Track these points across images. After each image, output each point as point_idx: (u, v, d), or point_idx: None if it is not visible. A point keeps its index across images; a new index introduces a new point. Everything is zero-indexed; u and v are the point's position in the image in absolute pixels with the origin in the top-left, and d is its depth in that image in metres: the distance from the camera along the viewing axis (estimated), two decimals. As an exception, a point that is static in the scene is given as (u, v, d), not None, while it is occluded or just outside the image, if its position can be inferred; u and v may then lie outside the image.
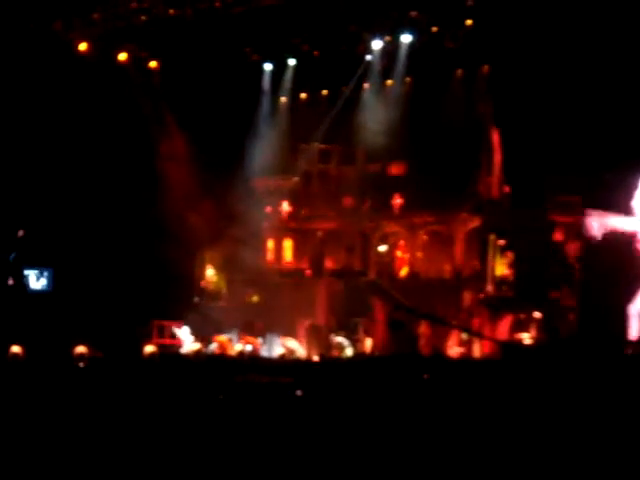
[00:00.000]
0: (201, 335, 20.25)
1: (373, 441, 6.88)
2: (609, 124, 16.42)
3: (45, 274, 18.66)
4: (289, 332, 19.79)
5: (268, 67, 22.12)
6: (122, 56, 21.53)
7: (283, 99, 22.31)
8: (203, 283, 21.92)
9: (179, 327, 20.39)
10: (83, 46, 20.86)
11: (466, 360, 17.05)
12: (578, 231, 17.59)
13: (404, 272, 20.55)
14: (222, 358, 19.05)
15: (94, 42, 20.95)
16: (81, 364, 15.68)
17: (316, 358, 18.74)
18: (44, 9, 19.78)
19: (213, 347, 20.04)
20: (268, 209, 22.05)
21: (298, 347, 19.44)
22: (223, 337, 20.06)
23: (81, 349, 17.20)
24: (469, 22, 18.70)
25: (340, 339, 19.11)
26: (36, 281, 19.13)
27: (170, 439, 7.37)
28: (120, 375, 11.29)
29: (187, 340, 19.95)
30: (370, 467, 6.13)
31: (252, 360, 18.42)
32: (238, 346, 19.91)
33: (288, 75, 21.90)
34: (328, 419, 7.93)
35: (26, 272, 18.99)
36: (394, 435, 7.02)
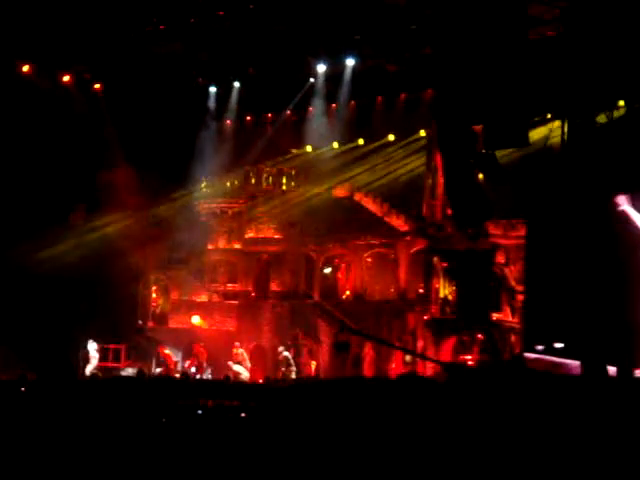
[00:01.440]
0: (144, 356, 20.21)
1: (317, 464, 6.81)
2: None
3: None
4: (233, 354, 19.81)
5: (213, 90, 22.16)
6: (66, 78, 21.38)
7: (228, 122, 22.40)
8: (150, 306, 21.85)
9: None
10: (26, 68, 20.79)
11: (409, 379, 17.02)
12: (519, 253, 17.67)
13: (347, 294, 20.73)
14: (166, 380, 18.93)
15: (37, 63, 20.83)
16: (22, 388, 15.46)
17: (260, 381, 18.75)
18: None
19: (158, 370, 20.02)
20: (210, 234, 22.07)
21: (243, 370, 19.45)
22: (168, 350, 20.15)
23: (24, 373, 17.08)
24: (412, 46, 18.83)
25: (287, 354, 19.18)
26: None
27: (110, 464, 7.19)
28: (59, 398, 11.00)
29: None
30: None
31: (196, 382, 18.38)
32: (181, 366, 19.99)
33: (233, 98, 21.96)
34: (273, 442, 7.88)
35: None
36: (338, 457, 6.96)
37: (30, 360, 16.65)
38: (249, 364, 19.88)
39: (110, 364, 20.15)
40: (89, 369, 19.54)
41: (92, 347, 19.96)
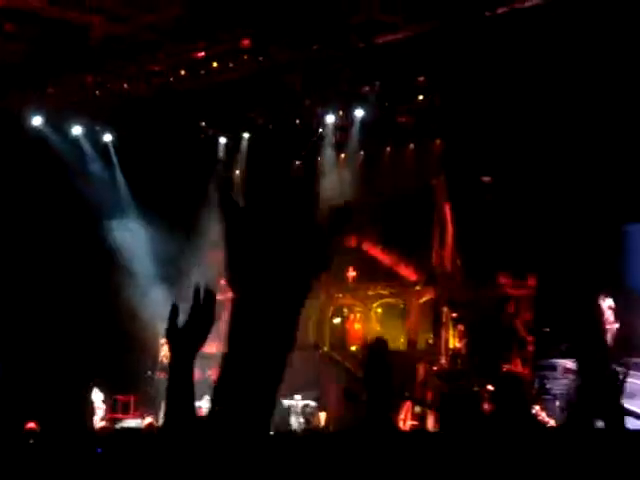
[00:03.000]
0: (152, 407, 20.20)
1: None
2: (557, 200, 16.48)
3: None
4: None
5: (223, 141, 22.43)
6: (76, 129, 21.70)
7: (237, 172, 22.58)
8: (160, 357, 21.85)
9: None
10: (38, 120, 21.06)
11: (420, 432, 17.02)
12: (530, 304, 17.72)
13: (354, 348, 20.73)
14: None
15: (48, 115, 21.15)
16: (31, 440, 15.40)
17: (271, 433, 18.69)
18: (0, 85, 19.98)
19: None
20: (222, 282, 22.12)
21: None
22: None
23: (31, 425, 17.04)
24: (421, 98, 19.15)
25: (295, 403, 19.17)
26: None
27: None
28: (69, 449, 10.94)
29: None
30: None
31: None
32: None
33: (242, 149, 22.18)
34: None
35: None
36: None
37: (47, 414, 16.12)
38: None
39: (119, 415, 20.12)
40: (96, 420, 19.54)
41: (97, 397, 19.97)
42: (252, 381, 2.14)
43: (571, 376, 16.24)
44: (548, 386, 16.73)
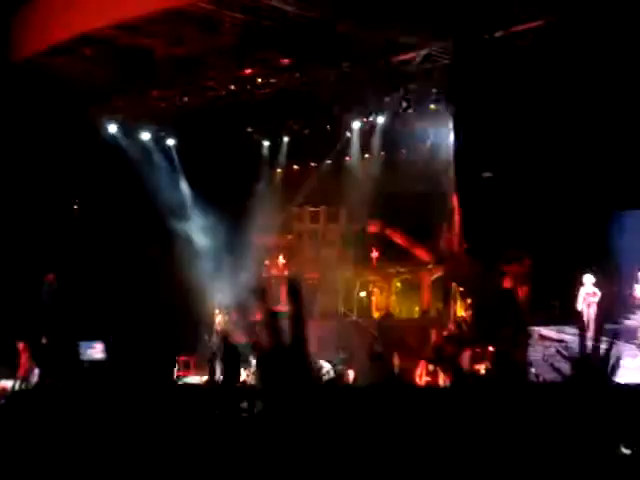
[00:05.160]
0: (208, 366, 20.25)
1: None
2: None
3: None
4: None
5: (266, 144, 22.43)
6: (145, 135, 21.83)
7: (279, 170, 22.57)
8: (215, 325, 21.90)
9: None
10: (113, 126, 21.23)
11: (432, 388, 17.01)
12: (524, 279, 17.54)
13: (377, 314, 20.79)
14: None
15: (121, 124, 21.31)
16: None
17: None
18: (82, 98, 20.09)
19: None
20: (266, 261, 22.18)
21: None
22: None
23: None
24: (432, 106, 19.07)
25: (328, 366, 19.17)
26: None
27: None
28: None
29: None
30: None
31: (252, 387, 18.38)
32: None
33: (283, 150, 22.19)
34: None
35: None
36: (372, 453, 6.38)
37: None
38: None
39: (181, 373, 20.21)
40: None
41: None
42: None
43: (546, 343, 16.06)
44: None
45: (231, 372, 19.76)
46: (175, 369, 19.89)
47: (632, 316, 16.02)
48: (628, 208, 16.20)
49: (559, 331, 16.08)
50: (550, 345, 16.07)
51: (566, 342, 15.86)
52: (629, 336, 15.38)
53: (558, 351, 15.96)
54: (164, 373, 18.47)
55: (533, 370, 15.34)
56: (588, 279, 16.37)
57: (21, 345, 17.71)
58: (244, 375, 19.88)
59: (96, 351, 14.27)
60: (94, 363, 13.43)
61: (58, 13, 17.40)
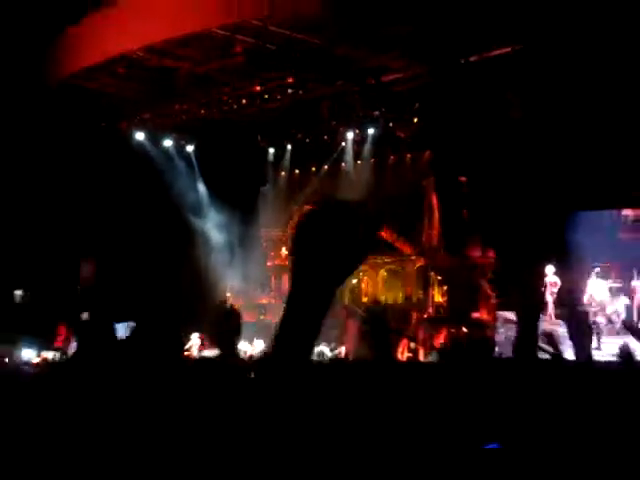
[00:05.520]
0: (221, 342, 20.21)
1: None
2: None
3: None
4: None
5: (272, 150, 22.39)
6: (167, 142, 21.88)
7: (283, 173, 22.58)
8: (227, 306, 21.68)
9: None
10: (140, 135, 21.34)
11: (412, 362, 17.03)
12: (491, 269, 17.68)
13: (366, 299, 20.79)
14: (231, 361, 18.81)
15: (147, 132, 21.38)
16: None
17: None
18: (114, 112, 20.20)
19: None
20: (272, 253, 22.21)
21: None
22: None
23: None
24: (415, 120, 19.09)
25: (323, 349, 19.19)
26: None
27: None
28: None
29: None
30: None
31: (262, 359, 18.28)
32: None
33: (286, 156, 22.16)
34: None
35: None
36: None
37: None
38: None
39: (200, 347, 20.01)
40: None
41: (194, 335, 19.92)
42: (305, 323, 2.23)
43: (508, 325, 16.14)
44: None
45: (229, 345, 19.39)
46: (198, 344, 19.82)
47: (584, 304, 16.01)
48: (583, 209, 16.17)
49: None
50: (511, 327, 16.15)
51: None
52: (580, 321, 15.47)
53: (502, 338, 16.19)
54: (182, 348, 18.44)
55: (497, 349, 15.43)
56: (550, 270, 16.39)
57: (61, 322, 17.84)
58: (250, 350, 19.98)
59: (127, 329, 14.30)
60: (125, 340, 13.44)
61: (91, 39, 17.47)
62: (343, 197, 2.24)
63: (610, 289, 15.65)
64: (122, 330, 14.60)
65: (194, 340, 19.80)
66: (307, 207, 2.12)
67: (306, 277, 2.25)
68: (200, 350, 19.62)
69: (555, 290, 16.30)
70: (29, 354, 17.34)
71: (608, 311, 15.41)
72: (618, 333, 15.05)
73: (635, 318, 15.32)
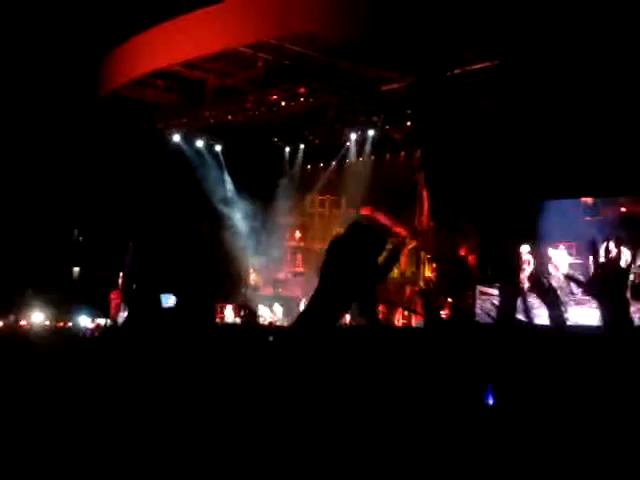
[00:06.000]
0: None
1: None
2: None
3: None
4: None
5: (287, 149, 22.36)
6: (199, 143, 21.89)
7: (296, 169, 22.49)
8: (249, 280, 21.86)
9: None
10: (176, 136, 21.37)
11: (407, 327, 17.19)
12: (475, 249, 17.58)
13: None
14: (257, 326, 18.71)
15: (183, 135, 21.42)
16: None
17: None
18: (154, 117, 20.29)
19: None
20: (287, 235, 22.30)
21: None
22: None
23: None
24: (408, 124, 19.13)
25: None
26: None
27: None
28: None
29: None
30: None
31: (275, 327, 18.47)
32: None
33: (299, 154, 22.12)
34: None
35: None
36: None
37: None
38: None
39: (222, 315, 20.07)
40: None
41: (229, 306, 19.85)
42: (324, 317, 2.36)
43: (483, 297, 16.17)
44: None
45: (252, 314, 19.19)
46: (232, 313, 19.91)
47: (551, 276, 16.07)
48: (551, 198, 16.08)
49: (492, 287, 16.26)
50: (487, 299, 16.30)
51: (496, 296, 16.04)
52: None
53: (492, 303, 16.38)
54: (214, 315, 18.57)
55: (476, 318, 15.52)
56: (525, 249, 16.35)
57: (113, 292, 18.07)
58: (269, 317, 20.16)
59: (170, 301, 14.47)
60: (169, 309, 13.62)
61: (136, 57, 17.65)
62: (372, 225, 2.35)
63: (570, 265, 15.71)
64: (165, 300, 14.92)
65: (228, 310, 20.01)
66: (340, 230, 2.12)
67: (329, 291, 2.39)
68: (234, 317, 19.82)
69: (528, 267, 16.35)
70: (85, 321, 17.63)
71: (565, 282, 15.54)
72: (579, 303, 15.26)
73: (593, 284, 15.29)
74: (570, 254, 15.89)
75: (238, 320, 19.40)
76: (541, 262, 16.10)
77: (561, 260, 15.82)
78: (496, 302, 16.04)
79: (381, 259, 2.12)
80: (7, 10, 16.55)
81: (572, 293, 15.40)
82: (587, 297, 15.12)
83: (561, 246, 15.88)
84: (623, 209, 15.02)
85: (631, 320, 13.83)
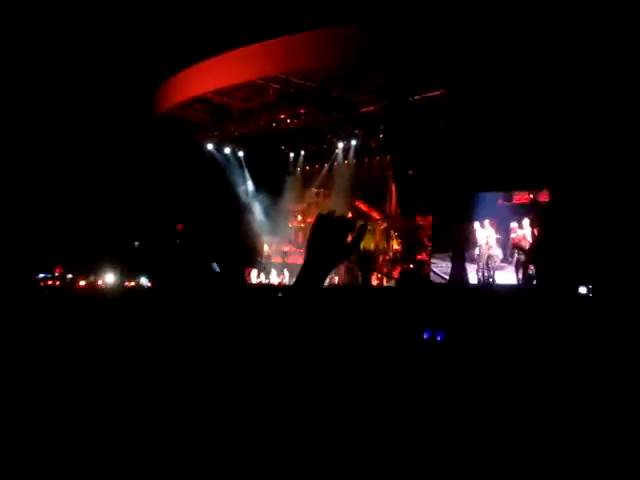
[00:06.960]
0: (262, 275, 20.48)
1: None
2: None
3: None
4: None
5: (292, 155, 22.21)
6: (227, 149, 21.77)
7: (298, 169, 22.41)
8: (264, 252, 21.88)
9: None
10: (210, 145, 21.30)
11: (380, 287, 17.22)
12: (430, 228, 17.61)
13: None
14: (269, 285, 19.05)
15: (215, 144, 21.31)
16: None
17: None
18: (193, 131, 20.15)
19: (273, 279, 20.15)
20: (292, 218, 22.32)
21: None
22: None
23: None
24: (381, 136, 19.03)
25: None
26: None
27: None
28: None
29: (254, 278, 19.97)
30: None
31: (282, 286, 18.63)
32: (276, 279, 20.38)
33: (300, 158, 22.05)
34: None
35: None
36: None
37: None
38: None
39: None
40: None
41: (254, 270, 19.98)
42: (313, 278, 2.21)
43: (436, 263, 16.19)
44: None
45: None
46: (255, 275, 19.97)
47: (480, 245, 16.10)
48: (481, 190, 16.13)
49: (438, 258, 16.37)
50: (438, 264, 16.43)
51: (439, 264, 16.06)
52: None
53: (440, 268, 16.50)
54: (244, 278, 18.80)
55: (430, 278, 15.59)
56: (477, 225, 16.21)
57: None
58: (279, 280, 20.29)
59: (215, 267, 14.61)
60: (217, 273, 13.73)
61: (181, 86, 17.60)
62: (339, 214, 2.34)
63: (496, 240, 15.89)
64: (214, 267, 14.98)
65: (253, 273, 20.18)
66: (318, 215, 1.91)
67: (314, 256, 2.23)
68: (257, 279, 19.95)
69: (468, 241, 16.30)
70: (145, 282, 17.80)
71: (493, 251, 15.50)
72: (502, 266, 15.40)
73: (509, 252, 15.35)
74: (495, 231, 16.03)
75: (258, 280, 19.72)
76: (473, 236, 16.16)
77: (489, 235, 15.92)
78: (444, 267, 16.20)
79: (349, 238, 1.92)
80: (84, 43, 16.18)
81: (494, 261, 15.50)
82: (504, 264, 15.19)
83: (487, 225, 15.94)
84: (531, 196, 15.24)
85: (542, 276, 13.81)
